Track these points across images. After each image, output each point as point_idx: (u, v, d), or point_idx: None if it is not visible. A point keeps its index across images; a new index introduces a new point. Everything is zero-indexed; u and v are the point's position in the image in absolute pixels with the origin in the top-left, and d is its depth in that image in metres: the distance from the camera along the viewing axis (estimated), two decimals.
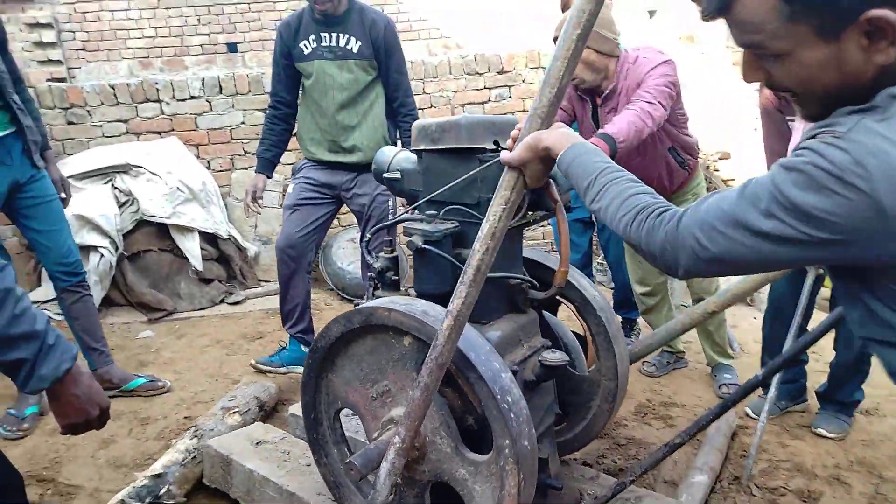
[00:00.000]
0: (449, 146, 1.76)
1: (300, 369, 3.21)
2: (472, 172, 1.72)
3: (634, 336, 3.82)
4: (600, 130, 2.38)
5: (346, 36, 2.96)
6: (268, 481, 2.12)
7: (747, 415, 3.02)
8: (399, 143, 3.19)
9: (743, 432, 2.84)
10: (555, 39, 3.58)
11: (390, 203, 3.08)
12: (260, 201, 3.25)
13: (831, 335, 2.86)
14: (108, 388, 3.16)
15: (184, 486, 2.30)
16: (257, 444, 2.33)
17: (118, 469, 2.60)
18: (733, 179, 5.02)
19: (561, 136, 1.33)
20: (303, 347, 3.24)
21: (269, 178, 3.31)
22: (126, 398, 3.16)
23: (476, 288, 1.48)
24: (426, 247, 1.70)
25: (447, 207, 1.79)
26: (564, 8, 3.63)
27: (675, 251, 1.07)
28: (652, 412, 3.07)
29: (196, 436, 2.46)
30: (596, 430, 2.10)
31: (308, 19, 3.00)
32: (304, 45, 3.00)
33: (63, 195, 3.02)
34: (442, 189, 1.75)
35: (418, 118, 3.03)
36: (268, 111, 3.25)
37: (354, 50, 2.97)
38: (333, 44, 2.97)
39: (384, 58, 3.01)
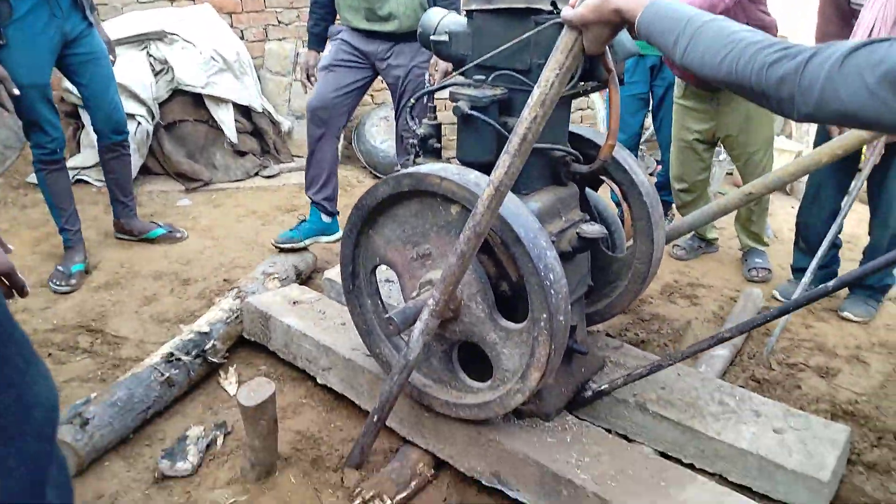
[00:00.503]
0: (503, 5, 1.67)
1: (324, 239, 3.24)
2: (525, 35, 1.62)
3: (668, 220, 3.78)
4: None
5: None
6: (305, 336, 2.23)
7: (774, 297, 3.05)
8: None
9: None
10: None
11: (426, 77, 2.98)
12: (313, 79, 3.18)
13: (865, 219, 2.82)
14: (129, 238, 3.42)
15: (227, 342, 2.41)
16: (294, 303, 2.43)
17: (161, 324, 2.72)
18: None
19: None
20: (323, 217, 3.19)
21: (321, 52, 3.20)
22: (167, 262, 3.26)
23: (521, 158, 1.45)
24: (472, 113, 1.65)
25: (496, 73, 1.71)
26: None
27: (803, 95, 0.97)
28: (678, 291, 3.10)
29: (239, 297, 2.56)
30: (620, 307, 2.13)
31: None
32: None
33: (112, 57, 3.10)
34: (492, 53, 1.67)
35: None
36: None
37: None
38: None
39: None
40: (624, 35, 1.71)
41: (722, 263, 3.44)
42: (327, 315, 2.34)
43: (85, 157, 4.21)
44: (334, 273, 2.63)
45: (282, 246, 3.09)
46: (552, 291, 1.52)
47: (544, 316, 1.53)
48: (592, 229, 1.73)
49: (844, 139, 2.09)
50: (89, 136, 3.98)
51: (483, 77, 1.73)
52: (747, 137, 3.02)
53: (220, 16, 4.72)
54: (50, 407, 0.53)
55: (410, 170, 1.66)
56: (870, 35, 2.37)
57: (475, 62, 1.72)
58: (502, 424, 1.80)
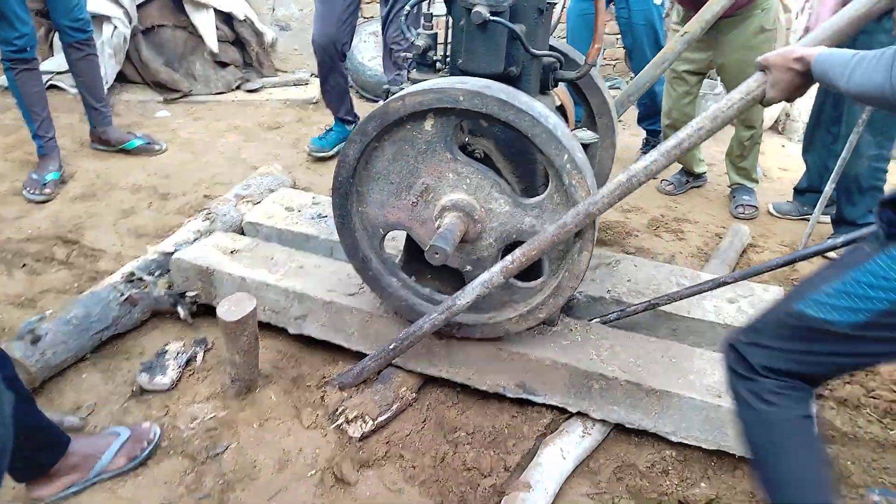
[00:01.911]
0: None
1: None
2: None
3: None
4: None
5: None
6: (267, 286, 2.03)
7: (769, 212, 3.22)
8: None
9: (752, 250, 2.87)
10: None
11: None
12: None
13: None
14: (106, 147, 3.30)
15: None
16: (232, 252, 2.19)
17: (140, 238, 2.65)
18: None
19: (814, 48, 1.23)
20: (347, 127, 3.51)
21: None
22: (146, 175, 3.16)
23: (668, 161, 1.45)
24: (495, 19, 1.56)
25: None
26: None
27: None
28: (664, 226, 3.08)
29: (208, 218, 2.44)
30: None
31: None
32: None
33: None
34: None
35: None
36: None
37: None
38: None
39: None
40: None
41: (709, 200, 3.42)
42: (277, 260, 2.16)
43: (59, 61, 4.00)
44: (256, 215, 2.46)
45: (316, 154, 3.45)
46: (559, 133, 1.54)
47: (565, 157, 1.53)
48: (585, 135, 1.86)
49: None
50: None
51: None
52: (746, 69, 2.94)
53: None
54: None
55: (373, 112, 1.57)
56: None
57: None
58: (519, 337, 1.85)
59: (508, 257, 1.61)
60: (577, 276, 1.66)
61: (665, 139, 3.26)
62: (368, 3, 4.91)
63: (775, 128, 4.53)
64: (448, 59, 1.77)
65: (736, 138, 3.20)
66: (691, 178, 3.47)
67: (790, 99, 1.31)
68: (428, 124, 1.59)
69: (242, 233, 2.48)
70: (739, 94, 1.34)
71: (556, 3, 1.68)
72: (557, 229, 1.54)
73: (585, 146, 1.86)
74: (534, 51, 1.65)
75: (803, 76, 1.25)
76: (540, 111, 1.53)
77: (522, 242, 1.63)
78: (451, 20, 1.72)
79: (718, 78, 3.20)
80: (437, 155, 1.62)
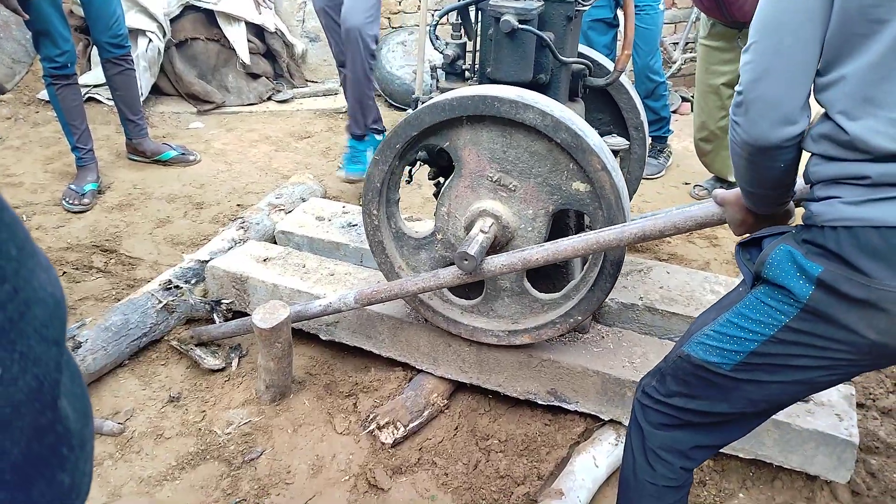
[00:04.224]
0: None
1: None
2: None
3: (664, 158, 3.69)
4: None
5: None
6: (300, 293, 2.05)
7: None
8: None
9: None
10: None
11: None
12: None
13: None
14: (142, 158, 3.38)
15: None
16: (265, 260, 2.22)
17: (175, 246, 2.70)
18: None
19: None
20: (376, 136, 3.33)
21: None
22: (181, 184, 3.22)
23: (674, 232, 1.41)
24: (524, 27, 1.57)
25: None
26: None
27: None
28: (698, 231, 3.04)
29: (242, 227, 2.49)
30: None
31: None
32: None
33: None
34: None
35: None
36: None
37: None
38: None
39: None
40: None
41: None
42: (309, 268, 2.19)
43: (96, 74, 4.10)
44: (288, 224, 2.48)
45: (354, 179, 3.20)
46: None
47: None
48: (616, 141, 1.88)
49: None
50: None
51: None
52: None
53: None
54: (54, 304, 0.47)
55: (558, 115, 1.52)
56: None
57: None
58: (550, 345, 1.85)
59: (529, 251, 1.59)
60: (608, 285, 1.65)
61: (699, 153, 3.26)
62: (396, 13, 4.96)
63: None
64: (477, 68, 1.78)
65: None
66: (724, 185, 3.43)
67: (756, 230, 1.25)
68: (568, 171, 1.59)
69: (275, 241, 2.51)
70: (695, 218, 1.31)
71: (586, 9, 1.68)
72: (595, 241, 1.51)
73: (615, 151, 1.86)
74: (563, 58, 1.65)
75: (745, 211, 1.21)
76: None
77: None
78: (479, 29, 1.73)
79: None
80: (537, 187, 1.63)
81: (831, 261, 0.95)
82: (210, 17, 4.26)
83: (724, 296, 1.21)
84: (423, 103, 1.77)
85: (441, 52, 1.74)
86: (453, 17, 1.85)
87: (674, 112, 4.44)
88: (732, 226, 1.27)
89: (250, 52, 4.40)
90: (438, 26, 1.82)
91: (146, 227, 2.83)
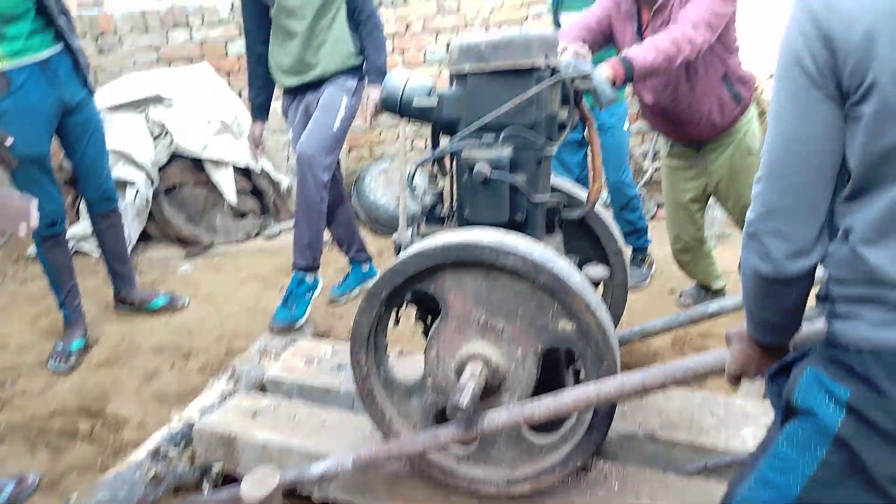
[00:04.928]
0: (502, 67, 1.64)
1: (371, 282, 3.37)
2: (530, 92, 1.63)
3: (647, 268, 3.71)
4: (623, 52, 2.14)
5: None
6: (290, 451, 1.96)
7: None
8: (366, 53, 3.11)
9: None
10: None
11: (344, 100, 2.99)
12: (261, 147, 3.33)
13: None
14: (129, 307, 3.37)
15: None
16: (254, 414, 2.15)
17: (163, 403, 2.63)
18: None
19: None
20: (362, 265, 3.54)
21: (265, 121, 3.33)
22: (168, 333, 3.19)
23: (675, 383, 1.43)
24: (496, 175, 1.61)
25: (506, 131, 1.68)
26: None
27: None
28: (689, 343, 3.00)
29: (233, 378, 2.42)
30: None
31: None
32: None
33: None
34: (496, 112, 1.65)
35: (381, 24, 3.04)
36: (247, 55, 3.22)
37: None
38: None
39: None
40: (604, 84, 1.85)
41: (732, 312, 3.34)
42: (299, 419, 2.11)
43: (84, 226, 4.18)
44: (276, 371, 2.43)
45: (340, 302, 3.47)
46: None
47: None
48: (596, 271, 1.87)
49: None
50: None
51: (493, 136, 1.69)
52: (739, 191, 2.90)
53: (218, 75, 4.76)
54: None
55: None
56: None
57: (483, 121, 1.68)
58: (552, 490, 1.74)
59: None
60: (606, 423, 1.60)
61: (678, 263, 3.29)
62: (377, 144, 5.15)
63: None
64: (455, 212, 1.82)
65: None
66: (709, 293, 3.41)
67: (759, 371, 1.22)
68: (556, 320, 1.59)
69: (265, 389, 2.46)
70: (695, 369, 1.33)
71: (552, 153, 1.73)
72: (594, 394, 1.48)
73: (597, 282, 1.86)
74: (536, 199, 1.68)
75: (757, 346, 1.17)
76: (562, 267, 1.54)
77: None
78: (455, 175, 1.78)
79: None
80: (527, 331, 1.61)
81: (860, 384, 0.89)
82: (197, 163, 4.39)
83: (760, 442, 1.13)
84: (404, 248, 1.79)
85: (420, 200, 1.78)
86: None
87: (652, 218, 4.53)
88: (734, 364, 1.22)
89: (238, 192, 4.50)
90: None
91: (133, 384, 2.77)
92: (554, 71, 1.68)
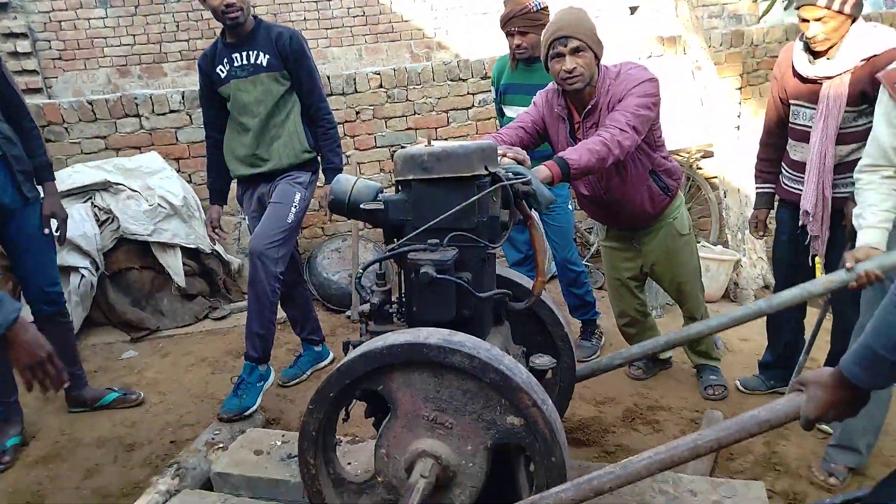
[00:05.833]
0: (446, 175, 1.74)
1: (322, 364, 3.64)
2: (473, 199, 1.73)
3: (595, 339, 3.81)
4: (559, 153, 2.27)
5: (255, 52, 3.05)
6: None
7: (737, 388, 3.26)
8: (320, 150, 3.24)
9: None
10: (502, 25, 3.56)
11: (297, 196, 3.08)
12: (219, 231, 3.37)
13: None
14: (82, 408, 3.20)
15: None
16: None
17: (105, 499, 2.54)
18: (715, 177, 5.03)
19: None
20: (315, 347, 3.61)
21: (223, 205, 3.41)
22: (111, 425, 3.09)
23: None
24: (442, 277, 1.68)
25: (450, 234, 1.76)
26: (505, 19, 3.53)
27: None
28: (640, 417, 3.07)
29: (178, 475, 2.36)
30: None
31: (220, 46, 3.11)
32: (220, 70, 3.09)
33: (47, 231, 2.93)
34: (440, 218, 1.75)
35: (335, 123, 3.20)
36: (206, 143, 3.32)
37: (264, 63, 3.04)
38: (245, 62, 3.05)
39: (294, 66, 3.08)
40: (542, 187, 1.96)
41: (679, 381, 3.43)
42: None
43: (26, 313, 4.05)
44: (224, 464, 2.39)
45: (290, 385, 3.47)
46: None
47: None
48: (543, 361, 1.93)
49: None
50: None
51: (437, 240, 1.76)
52: (673, 270, 3.08)
53: (166, 162, 4.77)
54: None
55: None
56: (818, 150, 2.60)
57: (427, 226, 1.76)
58: None
59: None
60: None
61: (624, 336, 3.40)
62: (328, 224, 5.21)
63: (727, 296, 4.70)
64: (403, 311, 1.87)
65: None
66: (657, 362, 3.52)
67: (838, 417, 1.26)
68: (507, 417, 1.62)
69: (211, 485, 2.40)
70: (769, 413, 1.41)
71: (496, 251, 1.81)
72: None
73: (544, 371, 1.92)
74: (482, 295, 1.75)
75: (846, 388, 1.20)
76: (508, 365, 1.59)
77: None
78: (402, 276, 1.84)
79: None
80: (477, 429, 1.64)
81: None
82: (144, 245, 4.34)
83: None
84: (353, 347, 1.81)
85: (368, 300, 1.83)
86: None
87: (599, 288, 4.65)
88: (816, 410, 1.24)
89: (186, 274, 4.45)
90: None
91: (73, 481, 2.66)
92: (494, 177, 1.77)
